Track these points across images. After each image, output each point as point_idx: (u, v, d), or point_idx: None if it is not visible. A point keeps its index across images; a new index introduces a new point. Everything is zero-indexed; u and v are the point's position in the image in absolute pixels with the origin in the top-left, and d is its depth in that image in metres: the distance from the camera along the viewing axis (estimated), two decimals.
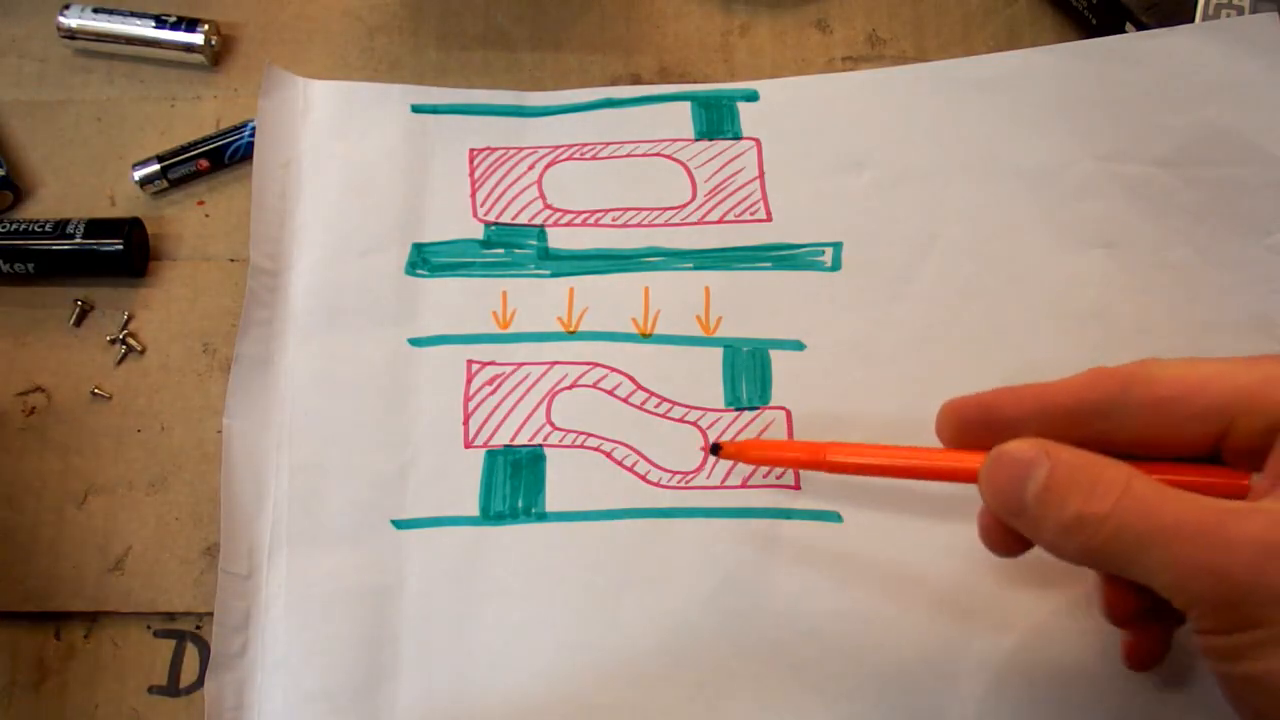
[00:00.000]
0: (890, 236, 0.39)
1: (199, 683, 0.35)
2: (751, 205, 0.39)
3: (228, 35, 0.43)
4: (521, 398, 0.37)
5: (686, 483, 0.36)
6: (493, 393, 0.37)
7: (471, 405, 0.37)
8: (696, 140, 0.40)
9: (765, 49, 0.43)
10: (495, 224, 0.39)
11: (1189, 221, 0.38)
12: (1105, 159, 0.39)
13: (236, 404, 0.37)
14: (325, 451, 0.36)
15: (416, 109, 0.41)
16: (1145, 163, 0.39)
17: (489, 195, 0.40)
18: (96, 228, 0.39)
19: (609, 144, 0.40)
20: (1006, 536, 0.29)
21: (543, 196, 0.40)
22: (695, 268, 0.39)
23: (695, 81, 0.42)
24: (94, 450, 0.37)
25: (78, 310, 0.39)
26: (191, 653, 0.35)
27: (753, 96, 0.41)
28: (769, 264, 0.39)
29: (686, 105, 0.41)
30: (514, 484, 0.36)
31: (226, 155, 0.41)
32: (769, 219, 0.39)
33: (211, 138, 0.41)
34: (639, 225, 0.39)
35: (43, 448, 0.37)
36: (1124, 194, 0.39)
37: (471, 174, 0.40)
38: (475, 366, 0.37)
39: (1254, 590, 0.23)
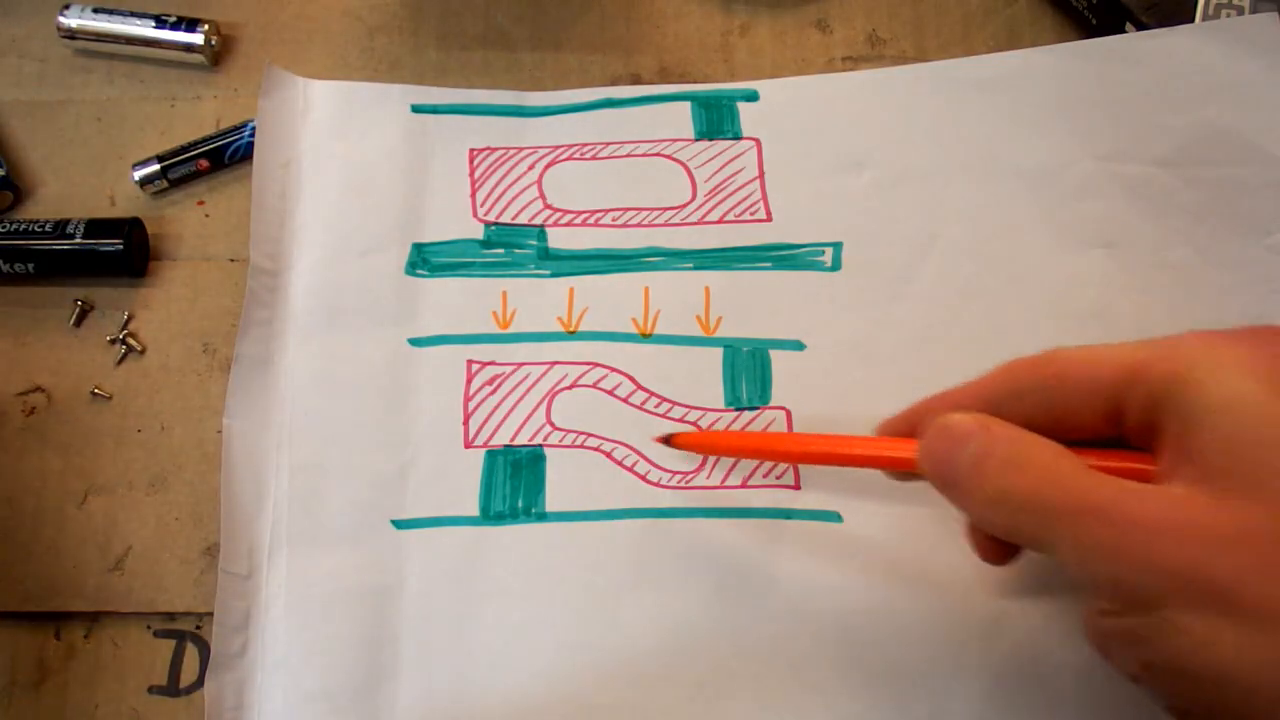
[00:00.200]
0: (890, 236, 0.39)
1: (199, 683, 0.35)
2: (751, 205, 0.39)
3: (228, 35, 0.43)
4: (521, 398, 0.37)
5: (686, 483, 0.36)
6: (493, 393, 0.37)
7: (471, 405, 0.37)
8: (696, 140, 0.40)
9: (765, 49, 0.43)
10: (495, 224, 0.39)
11: (1189, 221, 0.38)
12: (1105, 159, 0.39)
13: (236, 404, 0.37)
14: (325, 451, 0.36)
15: (416, 109, 0.41)
16: (1145, 163, 0.39)
17: (489, 195, 0.40)
18: (96, 228, 0.39)
19: (609, 144, 0.40)
20: (987, 543, 0.30)
21: (543, 196, 0.40)
22: (695, 268, 0.39)
23: (695, 81, 0.42)
24: (94, 450, 0.37)
25: (78, 310, 0.39)
26: (191, 653, 0.35)
27: (753, 96, 0.41)
28: (769, 264, 0.39)
29: (686, 105, 0.41)
30: (514, 484, 0.36)
31: (226, 155, 0.41)
32: (769, 219, 0.39)
33: (211, 138, 0.41)
34: (639, 225, 0.39)
35: (43, 448, 0.37)
36: (1124, 194, 0.39)
37: (471, 174, 0.40)
38: (475, 366, 0.37)
39: (1146, 572, 0.23)
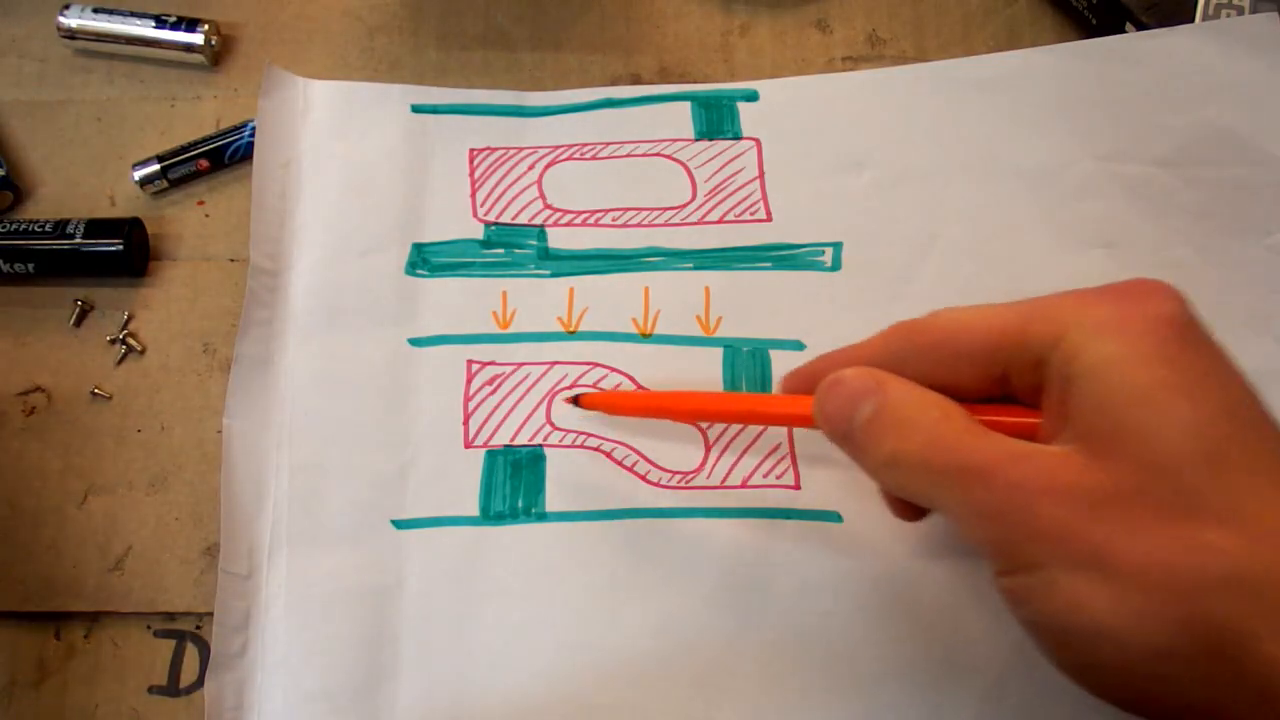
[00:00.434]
0: (890, 236, 0.39)
1: (199, 683, 0.35)
2: (751, 205, 0.39)
3: (228, 35, 0.43)
4: (522, 398, 0.37)
5: (686, 483, 0.36)
6: (493, 393, 0.37)
7: (471, 405, 0.37)
8: (696, 140, 0.40)
9: (765, 49, 0.43)
10: (495, 224, 0.39)
11: (1189, 221, 0.38)
12: (1105, 159, 0.39)
13: (236, 404, 0.37)
14: (325, 451, 0.36)
15: (416, 109, 0.41)
16: (1145, 163, 0.39)
17: (489, 195, 0.40)
18: (96, 228, 0.39)
19: (609, 144, 0.40)
20: (896, 501, 0.30)
21: (543, 196, 0.40)
22: (695, 268, 0.39)
23: (695, 81, 0.42)
24: (94, 450, 0.37)
25: (78, 310, 0.39)
26: (191, 653, 0.35)
27: (753, 96, 0.41)
28: (769, 264, 0.39)
29: (686, 105, 0.41)
30: (514, 484, 0.36)
31: (226, 155, 0.41)
32: (769, 219, 0.39)
33: (211, 138, 0.41)
34: (639, 225, 0.39)
35: (43, 448, 0.37)
36: (1124, 194, 0.39)
37: (471, 174, 0.40)
38: (475, 366, 0.37)
39: (1027, 534, 0.24)
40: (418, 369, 0.37)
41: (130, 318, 0.39)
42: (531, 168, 0.40)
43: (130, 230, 0.39)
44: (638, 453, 0.36)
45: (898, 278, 0.38)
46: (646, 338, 0.38)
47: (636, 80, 0.42)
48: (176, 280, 0.40)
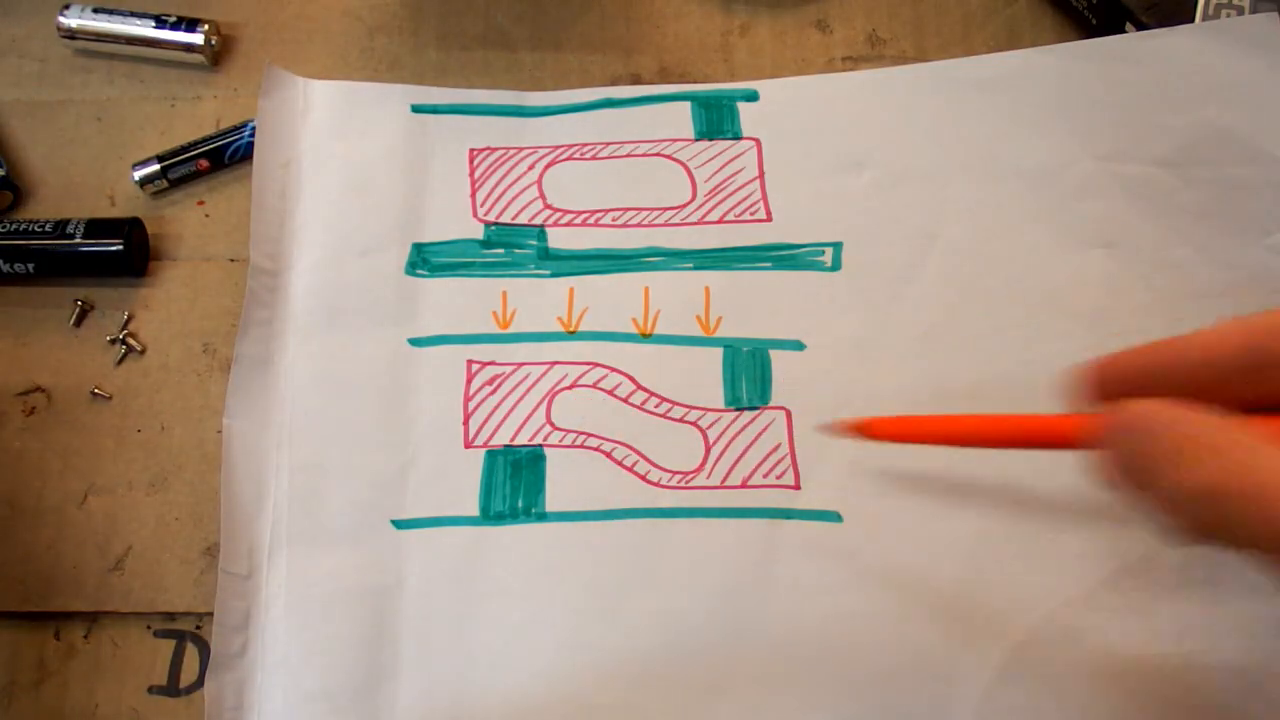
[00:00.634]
0: (890, 236, 0.39)
1: (199, 683, 0.35)
2: (751, 205, 0.39)
3: (228, 35, 0.43)
4: (521, 398, 0.37)
5: (686, 483, 0.36)
6: (493, 393, 0.37)
7: (471, 405, 0.37)
8: (696, 140, 0.40)
9: (765, 49, 0.43)
10: (495, 224, 0.39)
11: (1189, 221, 0.38)
12: (1105, 159, 0.39)
13: (236, 404, 0.37)
14: (325, 451, 0.36)
15: (416, 109, 0.41)
16: (1145, 163, 0.39)
17: (489, 195, 0.40)
18: (96, 228, 0.39)
19: (609, 144, 0.40)
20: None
21: (543, 196, 0.40)
22: (695, 268, 0.39)
23: (695, 81, 0.42)
24: (94, 450, 0.37)
25: (78, 310, 0.39)
26: (191, 653, 0.35)
27: (753, 96, 0.41)
28: (769, 264, 0.39)
29: (686, 105, 0.41)
30: (514, 484, 0.36)
31: (226, 155, 0.41)
32: (769, 219, 0.39)
33: (211, 138, 0.41)
34: (639, 225, 0.39)
35: (43, 448, 0.37)
36: (1124, 194, 0.39)
37: (471, 174, 0.40)
38: (475, 366, 0.37)
39: None
40: (418, 369, 0.37)
41: (130, 318, 0.39)
42: (531, 168, 0.40)
43: (130, 230, 0.39)
44: (638, 453, 0.36)
45: (898, 278, 0.38)
46: (646, 338, 0.38)
47: (636, 80, 0.42)
48: (176, 280, 0.40)
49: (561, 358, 0.37)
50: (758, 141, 0.40)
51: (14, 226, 0.39)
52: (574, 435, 0.36)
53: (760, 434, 0.36)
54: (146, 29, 0.42)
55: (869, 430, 0.31)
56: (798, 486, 0.35)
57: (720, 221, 0.39)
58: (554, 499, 0.36)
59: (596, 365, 0.37)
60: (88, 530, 0.36)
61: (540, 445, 0.36)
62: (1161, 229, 0.38)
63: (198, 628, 0.36)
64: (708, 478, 0.36)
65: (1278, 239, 0.38)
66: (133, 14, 0.42)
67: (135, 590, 0.36)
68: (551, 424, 0.37)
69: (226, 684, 0.34)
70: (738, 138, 0.40)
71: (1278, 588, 0.26)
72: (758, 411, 0.36)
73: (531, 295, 0.38)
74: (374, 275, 0.38)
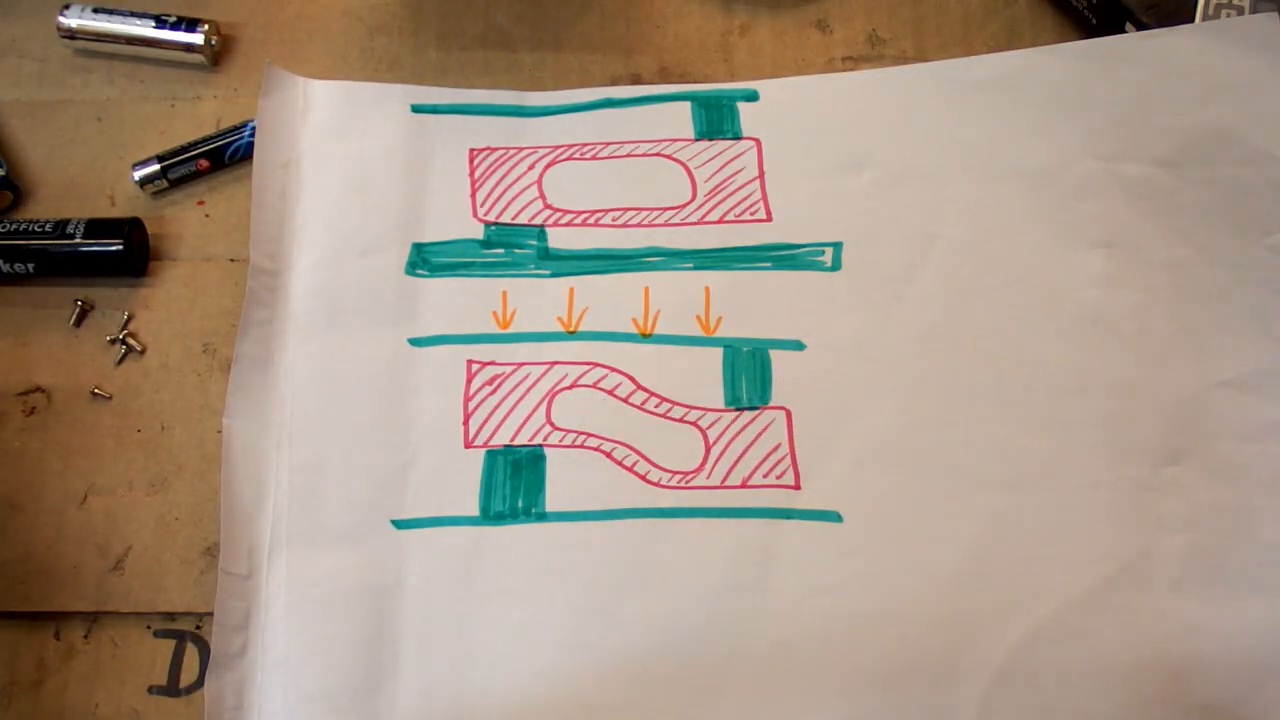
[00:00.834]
0: (890, 236, 0.39)
1: (199, 683, 0.35)
2: (751, 205, 0.39)
3: (228, 35, 0.43)
4: (521, 398, 0.37)
5: (686, 483, 0.36)
6: (493, 393, 0.37)
7: (471, 405, 0.37)
8: (696, 140, 0.40)
9: (765, 49, 0.43)
10: (495, 224, 0.39)
11: (1189, 221, 0.38)
12: (1105, 159, 0.39)
13: (236, 404, 0.37)
14: (325, 451, 0.36)
15: (416, 109, 0.41)
16: (1145, 163, 0.39)
17: (489, 195, 0.40)
18: (96, 228, 0.39)
19: (609, 144, 0.40)
20: None
21: (543, 196, 0.40)
22: (695, 268, 0.39)
23: (695, 81, 0.42)
24: (94, 450, 0.37)
25: (78, 310, 0.39)
26: (191, 653, 0.35)
27: (753, 96, 0.41)
28: (769, 264, 0.39)
29: (686, 105, 0.41)
30: (514, 484, 0.36)
31: (226, 155, 0.41)
32: (769, 219, 0.39)
33: (211, 138, 0.41)
34: (639, 225, 0.39)
35: (43, 448, 0.37)
36: (1124, 194, 0.39)
37: (471, 174, 0.40)
38: (475, 366, 0.37)
39: None
40: (418, 369, 0.37)
41: (130, 318, 0.39)
42: (531, 168, 0.40)
43: (130, 230, 0.39)
44: (638, 453, 0.36)
45: (898, 278, 0.38)
46: (646, 338, 0.38)
47: (636, 80, 0.42)
48: (176, 280, 0.40)
49: (561, 358, 0.37)
50: (758, 141, 0.40)
51: (14, 226, 0.39)
52: (574, 435, 0.36)
53: (760, 434, 0.36)
54: (146, 29, 0.42)
55: None
56: (798, 486, 0.35)
57: (720, 221, 0.39)
58: (554, 499, 0.36)
59: (596, 365, 0.37)
60: (88, 530, 0.36)
61: (540, 445, 0.36)
62: (1161, 229, 0.38)
63: (198, 628, 0.36)
64: (708, 478, 0.36)
65: (1278, 239, 0.38)
66: (133, 14, 0.42)
67: (135, 590, 0.36)
68: (551, 424, 0.37)
69: (226, 684, 0.34)
70: (738, 138, 0.40)
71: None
72: (758, 411, 0.36)
73: (531, 295, 0.38)
74: (374, 275, 0.38)
